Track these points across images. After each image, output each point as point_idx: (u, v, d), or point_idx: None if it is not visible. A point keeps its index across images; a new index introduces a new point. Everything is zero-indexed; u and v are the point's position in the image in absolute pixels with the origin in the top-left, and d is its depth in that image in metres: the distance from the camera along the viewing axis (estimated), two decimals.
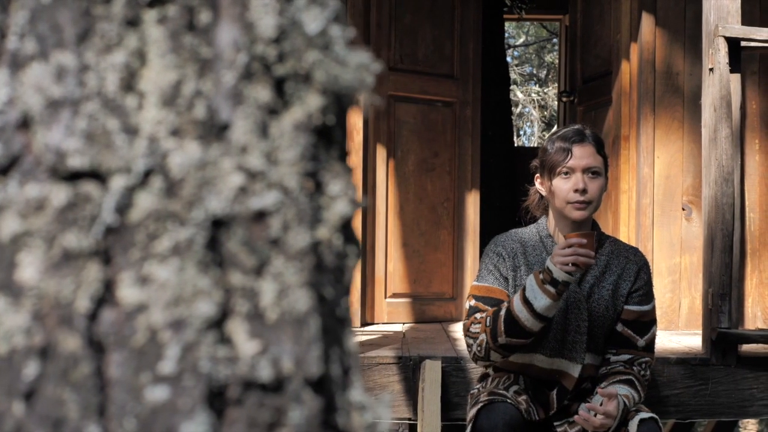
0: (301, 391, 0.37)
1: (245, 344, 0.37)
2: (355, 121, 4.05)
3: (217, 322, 0.37)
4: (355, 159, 4.05)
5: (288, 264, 0.38)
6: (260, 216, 0.38)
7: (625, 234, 4.12)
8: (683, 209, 4.01)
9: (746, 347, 3.18)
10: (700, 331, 3.28)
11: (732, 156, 3.04)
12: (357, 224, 4.05)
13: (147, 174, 0.37)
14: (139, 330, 0.36)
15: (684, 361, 3.08)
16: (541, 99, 14.87)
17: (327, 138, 0.41)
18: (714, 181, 3.04)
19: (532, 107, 14.80)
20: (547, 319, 2.26)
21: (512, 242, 2.47)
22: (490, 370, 2.58)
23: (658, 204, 4.02)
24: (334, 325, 0.39)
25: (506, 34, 16.08)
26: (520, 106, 14.82)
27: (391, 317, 4.23)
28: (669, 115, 4.03)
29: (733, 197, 3.03)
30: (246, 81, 0.39)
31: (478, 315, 2.35)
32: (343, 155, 0.41)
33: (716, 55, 3.06)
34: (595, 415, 2.28)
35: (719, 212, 3.02)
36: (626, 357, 2.46)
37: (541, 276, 2.24)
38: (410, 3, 4.31)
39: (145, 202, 0.37)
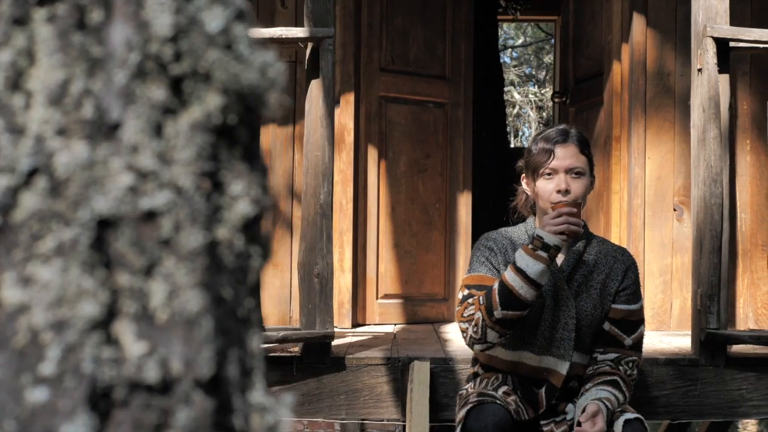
0: (190, 393, 0.37)
1: (132, 345, 0.37)
2: (346, 122, 4.05)
3: (104, 323, 0.37)
4: (346, 160, 4.04)
5: (179, 264, 0.38)
6: (151, 216, 0.38)
7: (617, 235, 4.11)
8: (674, 210, 4.01)
9: (736, 348, 3.17)
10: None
11: (721, 156, 3.04)
12: (348, 225, 4.05)
13: (31, 174, 0.37)
14: (20, 331, 0.36)
15: (673, 362, 3.07)
16: (539, 100, 14.87)
17: (229, 138, 0.40)
18: (702, 181, 3.04)
19: (530, 108, 14.80)
20: (540, 286, 2.28)
21: (502, 239, 2.49)
22: (479, 369, 2.58)
23: (650, 205, 4.01)
24: (233, 326, 0.39)
25: (506, 35, 16.08)
26: (518, 107, 14.81)
27: (383, 318, 4.22)
28: (660, 115, 4.03)
29: (721, 198, 3.03)
30: (139, 80, 0.39)
31: (470, 300, 2.36)
32: (250, 155, 0.41)
33: (705, 56, 3.05)
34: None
35: (708, 213, 3.02)
36: (613, 356, 2.47)
37: (530, 246, 2.28)
38: (402, 4, 4.31)
39: (29, 202, 0.37)
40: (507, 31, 16.06)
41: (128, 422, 0.36)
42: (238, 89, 0.40)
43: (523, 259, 2.27)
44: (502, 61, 16.33)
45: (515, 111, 14.82)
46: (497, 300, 2.28)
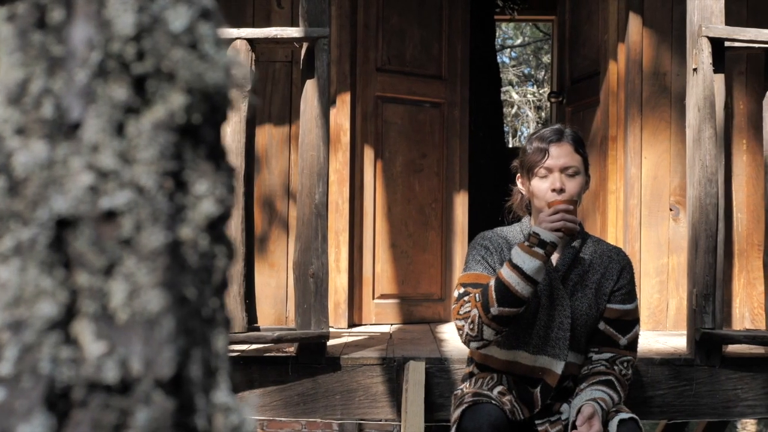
0: (151, 393, 0.37)
1: (91, 345, 0.37)
2: (342, 122, 4.04)
3: (62, 323, 0.37)
4: (342, 160, 4.04)
5: (140, 264, 0.38)
6: (111, 215, 0.38)
7: (613, 234, 4.11)
8: (671, 210, 4.00)
9: (732, 348, 3.17)
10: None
11: (716, 156, 3.04)
12: (344, 225, 4.04)
13: None
14: None
15: (668, 362, 3.07)
16: (538, 100, 14.86)
17: (194, 137, 0.40)
18: (698, 181, 3.04)
19: (528, 108, 14.79)
20: (536, 283, 2.29)
21: (498, 238, 2.51)
22: (474, 369, 2.59)
23: (646, 204, 4.01)
24: (197, 325, 0.39)
25: (505, 35, 16.07)
26: (516, 107, 14.81)
27: (379, 318, 4.22)
28: (656, 115, 4.03)
29: (716, 197, 3.02)
30: (100, 79, 0.38)
31: (466, 297, 2.37)
32: (215, 155, 0.41)
33: (700, 56, 3.05)
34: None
35: (703, 213, 3.01)
36: (608, 355, 2.48)
37: (526, 243, 2.29)
38: (398, 4, 4.31)
39: None
40: (506, 31, 16.05)
41: (87, 422, 0.36)
42: (203, 88, 0.40)
43: (519, 256, 2.29)
44: (501, 61, 16.34)
45: (513, 111, 14.81)
46: (494, 296, 2.28)
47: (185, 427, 0.37)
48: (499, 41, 15.68)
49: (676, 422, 5.03)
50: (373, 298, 4.21)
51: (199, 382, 0.38)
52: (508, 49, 16.31)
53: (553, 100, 5.25)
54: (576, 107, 4.70)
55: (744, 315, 4.00)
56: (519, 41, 16.19)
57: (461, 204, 4.46)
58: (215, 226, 0.40)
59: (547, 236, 2.28)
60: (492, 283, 2.31)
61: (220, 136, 0.41)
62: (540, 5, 7.06)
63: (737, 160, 4.01)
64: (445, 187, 4.42)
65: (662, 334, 3.88)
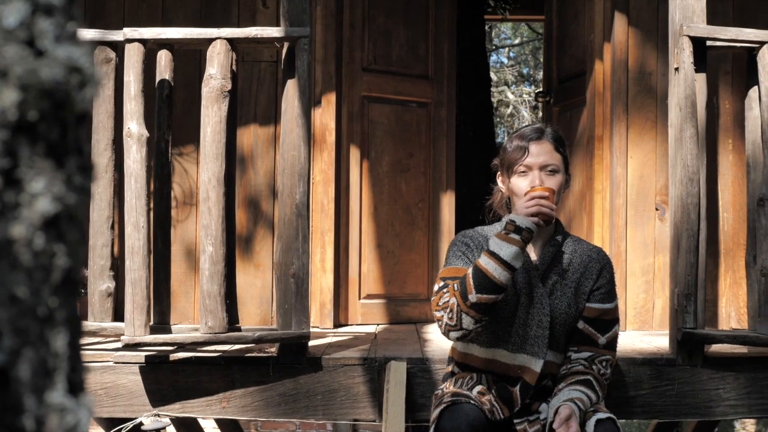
0: None
1: None
2: (328, 122, 4.04)
3: None
4: (328, 160, 4.03)
5: None
6: None
7: (599, 234, 4.10)
8: (656, 209, 3.99)
9: (715, 347, 3.16)
10: None
11: (697, 156, 3.03)
12: (330, 225, 4.04)
13: None
14: None
15: (650, 362, 3.06)
16: (533, 100, 14.85)
17: (30, 134, 0.40)
18: (680, 180, 3.03)
19: (524, 108, 14.78)
20: (514, 269, 2.30)
21: (478, 236, 2.52)
22: (454, 368, 2.59)
23: (632, 204, 4.00)
24: (30, 325, 0.38)
25: (504, 35, 16.06)
26: (511, 107, 14.79)
27: (366, 318, 4.21)
28: (642, 115, 4.02)
29: (698, 197, 3.01)
30: None
31: (445, 289, 2.38)
32: (57, 152, 0.40)
33: (681, 55, 3.04)
34: None
35: (685, 212, 3.00)
36: (587, 354, 2.48)
37: (503, 231, 2.31)
38: (384, 4, 4.30)
39: None
40: (504, 30, 16.04)
41: None
42: (39, 85, 0.39)
43: (496, 243, 2.31)
44: (499, 61, 16.32)
45: (509, 111, 14.80)
46: (472, 283, 2.29)
47: (10, 428, 0.37)
48: (497, 41, 15.68)
49: (668, 421, 5.02)
50: (359, 298, 4.20)
51: (29, 381, 0.38)
52: (506, 49, 16.30)
53: (540, 99, 5.24)
54: (563, 107, 4.69)
55: (730, 314, 3.99)
56: (517, 41, 16.17)
57: (448, 204, 4.45)
58: (55, 225, 0.39)
59: (523, 222, 2.30)
60: (470, 271, 2.32)
61: (68, 133, 0.41)
62: (532, 5, 7.05)
63: (723, 159, 4.00)
64: (431, 186, 4.41)
65: (648, 333, 3.88)
